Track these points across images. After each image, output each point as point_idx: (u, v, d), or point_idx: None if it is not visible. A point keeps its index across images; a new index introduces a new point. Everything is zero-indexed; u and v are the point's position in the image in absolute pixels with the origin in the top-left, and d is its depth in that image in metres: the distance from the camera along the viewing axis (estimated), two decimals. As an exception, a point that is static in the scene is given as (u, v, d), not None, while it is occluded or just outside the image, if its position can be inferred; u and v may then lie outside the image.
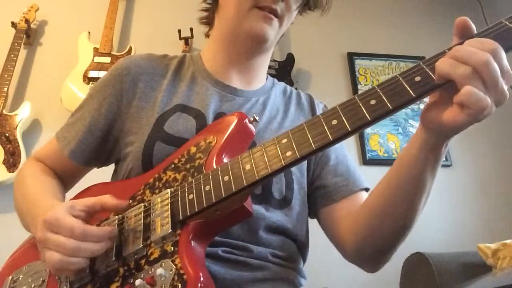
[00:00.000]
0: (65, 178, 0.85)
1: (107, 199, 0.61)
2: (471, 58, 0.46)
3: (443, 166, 2.35)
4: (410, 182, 0.61)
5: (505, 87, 0.47)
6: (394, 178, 0.64)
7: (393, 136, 2.41)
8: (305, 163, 0.83)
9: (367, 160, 2.30)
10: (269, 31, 0.80)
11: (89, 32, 2.25)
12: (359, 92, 2.19)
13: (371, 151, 2.34)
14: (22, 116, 1.98)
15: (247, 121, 0.69)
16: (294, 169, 0.79)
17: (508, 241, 1.49)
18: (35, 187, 0.76)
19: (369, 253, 0.73)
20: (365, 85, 2.52)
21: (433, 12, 2.86)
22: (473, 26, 0.51)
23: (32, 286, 0.64)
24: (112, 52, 2.19)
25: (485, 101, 0.45)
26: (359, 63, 2.59)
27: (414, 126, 2.46)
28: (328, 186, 0.81)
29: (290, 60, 2.40)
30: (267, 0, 0.77)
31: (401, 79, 0.50)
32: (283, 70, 2.35)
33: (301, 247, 0.80)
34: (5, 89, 1.97)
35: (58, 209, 0.58)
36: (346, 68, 2.58)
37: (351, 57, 2.59)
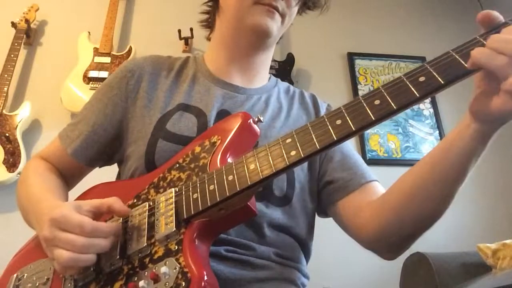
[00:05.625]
0: (68, 177, 0.86)
1: (113, 202, 0.61)
2: (507, 47, 0.45)
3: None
4: (454, 170, 0.60)
5: None
6: (438, 165, 0.62)
7: (393, 136, 2.41)
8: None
9: (367, 160, 2.30)
10: (272, 25, 0.81)
11: (89, 32, 2.25)
12: (359, 92, 2.20)
13: (371, 151, 2.34)
14: (22, 116, 1.98)
15: (251, 121, 0.69)
16: (297, 168, 0.78)
17: (508, 241, 1.49)
18: (39, 185, 0.76)
19: (393, 239, 0.71)
20: (365, 85, 2.52)
21: (433, 12, 2.87)
22: (498, 15, 0.50)
23: (37, 284, 0.64)
24: (112, 52, 2.19)
25: None
26: (359, 63, 2.59)
27: (414, 126, 2.46)
28: (337, 180, 0.80)
29: (290, 60, 2.40)
30: None
31: (405, 79, 0.50)
32: (283, 70, 2.35)
33: (303, 245, 0.80)
34: (5, 89, 1.97)
35: (65, 207, 0.59)
36: (346, 68, 2.58)
37: (351, 57, 2.60)
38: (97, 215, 0.61)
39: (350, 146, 0.88)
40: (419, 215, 0.66)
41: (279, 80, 0.97)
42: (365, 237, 0.75)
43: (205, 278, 0.51)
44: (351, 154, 0.85)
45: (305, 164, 0.82)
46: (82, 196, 0.77)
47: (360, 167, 0.83)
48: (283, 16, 0.83)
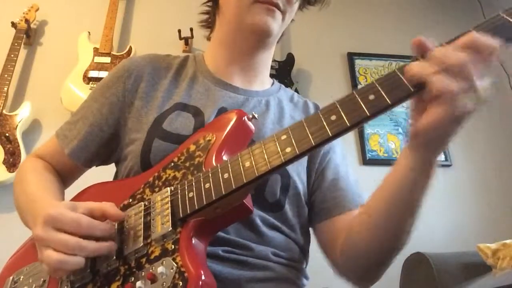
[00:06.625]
0: (64, 176, 0.85)
1: (108, 207, 0.60)
2: (442, 59, 0.46)
3: (443, 166, 2.35)
4: (398, 206, 0.60)
5: (481, 79, 0.45)
6: (383, 201, 0.62)
7: (393, 136, 2.41)
8: (304, 170, 0.81)
9: (367, 160, 2.30)
10: (272, 24, 0.79)
11: (89, 32, 2.25)
12: (359, 92, 2.11)
13: (371, 151, 2.34)
14: (22, 116, 1.98)
15: (246, 118, 0.69)
16: (294, 175, 0.77)
17: (508, 241, 1.49)
18: (36, 184, 0.76)
19: (357, 270, 0.72)
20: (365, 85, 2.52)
21: (433, 12, 2.86)
22: (429, 43, 0.51)
23: (33, 287, 0.64)
24: (112, 52, 2.19)
25: (455, 85, 0.44)
26: (359, 63, 2.59)
27: (414, 126, 2.46)
28: (325, 201, 0.79)
29: (290, 60, 2.40)
30: None
31: (399, 73, 0.49)
32: (283, 70, 2.35)
33: (301, 248, 0.79)
34: (5, 89, 1.97)
35: (61, 206, 0.58)
36: (346, 68, 2.58)
37: (351, 57, 2.59)
38: (92, 217, 0.60)
39: (347, 167, 0.86)
40: (379, 245, 0.66)
41: (283, 86, 0.96)
42: (337, 263, 0.75)
43: (203, 277, 0.50)
44: (345, 176, 0.83)
45: (303, 171, 0.81)
46: (78, 196, 0.77)
47: (351, 191, 0.81)
48: (283, 13, 0.81)
